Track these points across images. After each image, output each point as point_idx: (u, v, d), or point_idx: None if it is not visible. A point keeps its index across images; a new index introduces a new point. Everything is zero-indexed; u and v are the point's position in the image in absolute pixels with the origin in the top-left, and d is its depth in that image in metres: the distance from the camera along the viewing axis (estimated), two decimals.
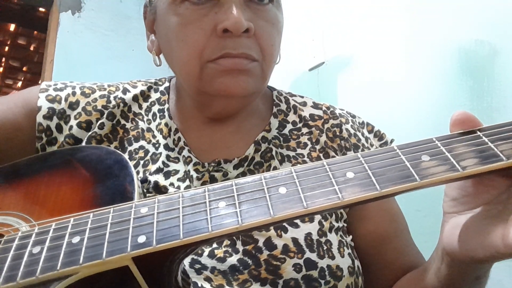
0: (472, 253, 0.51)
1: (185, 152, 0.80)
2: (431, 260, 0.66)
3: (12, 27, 5.49)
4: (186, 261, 0.69)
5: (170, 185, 0.77)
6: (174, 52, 0.77)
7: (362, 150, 0.83)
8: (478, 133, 0.51)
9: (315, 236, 0.72)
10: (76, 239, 0.50)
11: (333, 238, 0.74)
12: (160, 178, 0.77)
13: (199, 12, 0.73)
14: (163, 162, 0.79)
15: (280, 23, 0.80)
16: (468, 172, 0.48)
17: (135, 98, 0.88)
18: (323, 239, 0.72)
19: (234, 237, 0.71)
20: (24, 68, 6.40)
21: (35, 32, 5.32)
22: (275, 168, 0.79)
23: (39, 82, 4.39)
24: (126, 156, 0.69)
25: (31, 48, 5.92)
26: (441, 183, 0.49)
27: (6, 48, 5.90)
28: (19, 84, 6.74)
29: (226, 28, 0.71)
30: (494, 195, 0.51)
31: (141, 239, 0.48)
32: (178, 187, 0.77)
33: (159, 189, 0.76)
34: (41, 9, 4.12)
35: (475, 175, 0.48)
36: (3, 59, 6.17)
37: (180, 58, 0.76)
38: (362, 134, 0.87)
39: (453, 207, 0.56)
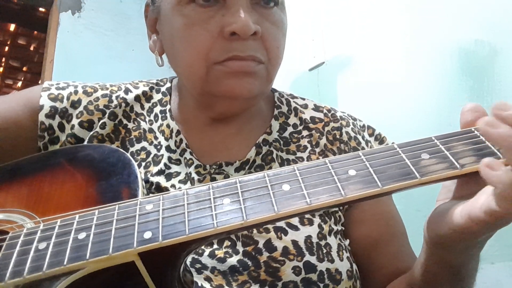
0: (437, 230, 0.54)
1: (187, 154, 0.80)
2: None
3: (12, 27, 5.47)
4: (187, 260, 0.69)
5: (171, 186, 0.77)
6: (179, 53, 0.77)
7: None
8: (476, 132, 0.53)
9: (315, 239, 0.72)
10: (82, 235, 0.51)
11: (333, 241, 0.75)
12: (161, 180, 0.78)
13: (206, 14, 0.74)
14: (165, 164, 0.80)
15: (285, 25, 0.81)
16: (466, 169, 0.50)
17: (137, 98, 0.88)
18: (322, 242, 0.73)
19: (235, 238, 0.71)
20: (24, 68, 6.39)
21: (35, 32, 5.31)
22: None
23: (39, 82, 4.39)
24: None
25: (31, 48, 5.90)
26: (440, 180, 0.51)
27: (6, 48, 5.89)
28: (19, 84, 6.73)
29: (233, 31, 0.72)
30: (482, 185, 0.52)
31: (147, 235, 0.49)
32: (180, 189, 0.77)
33: (161, 190, 0.76)
34: (41, 9, 4.11)
35: (474, 173, 0.50)
36: (3, 59, 6.16)
37: (184, 59, 0.76)
38: (363, 137, 0.87)
39: (443, 194, 0.58)
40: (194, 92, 0.80)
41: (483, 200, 0.47)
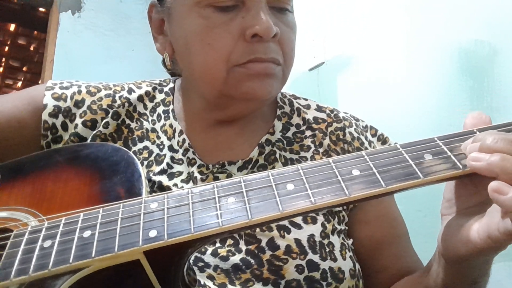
0: (456, 250, 0.53)
1: (190, 154, 0.80)
2: (430, 264, 0.67)
3: (12, 27, 5.46)
4: (190, 259, 0.70)
5: (173, 185, 0.78)
6: (196, 55, 0.76)
7: None
8: (478, 133, 0.53)
9: (317, 238, 0.73)
10: (87, 234, 0.51)
11: (336, 240, 0.75)
12: (164, 179, 0.78)
13: (226, 16, 0.73)
14: (167, 164, 0.80)
15: (296, 27, 0.81)
16: (469, 170, 0.50)
17: (140, 98, 0.88)
18: (325, 241, 0.73)
19: (238, 237, 0.72)
20: (24, 68, 6.38)
21: (35, 32, 5.30)
22: None
23: (39, 82, 4.39)
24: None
25: (31, 48, 5.89)
26: (443, 180, 0.52)
27: (6, 48, 5.88)
28: (19, 84, 6.72)
29: (256, 33, 0.72)
30: (485, 196, 0.51)
31: (152, 233, 0.49)
32: (182, 188, 0.77)
33: (163, 189, 0.76)
34: (41, 9, 4.11)
35: (476, 173, 0.50)
36: (3, 59, 6.15)
37: (204, 61, 0.75)
38: (366, 138, 0.88)
39: (448, 209, 0.58)
40: (210, 94, 0.79)
41: (499, 221, 0.47)
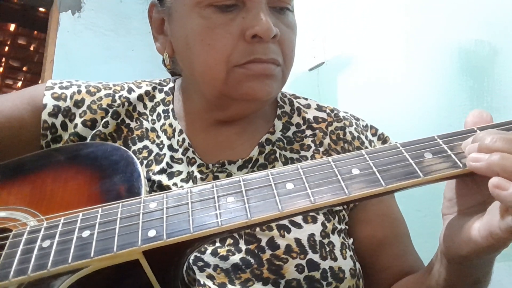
0: (458, 249, 0.53)
1: (189, 153, 0.80)
2: (432, 264, 0.67)
3: (12, 27, 5.47)
4: (190, 258, 0.70)
5: (173, 185, 0.78)
6: (197, 56, 0.76)
7: None
8: (478, 131, 0.53)
9: (318, 237, 0.72)
10: (86, 233, 0.51)
11: (336, 239, 0.75)
12: (163, 179, 0.78)
13: (227, 17, 0.73)
14: (167, 163, 0.80)
15: (296, 28, 0.81)
16: (469, 169, 0.50)
17: (140, 98, 0.88)
18: (325, 241, 0.73)
19: (237, 236, 0.72)
20: (24, 68, 6.39)
21: (35, 32, 5.31)
22: None
23: (39, 82, 4.38)
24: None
25: (31, 48, 5.90)
26: (444, 179, 0.51)
27: (6, 48, 5.89)
28: (19, 84, 6.73)
29: (256, 34, 0.72)
30: (486, 195, 0.52)
31: (151, 233, 0.49)
32: (182, 187, 0.77)
33: (163, 189, 0.76)
34: (41, 9, 4.11)
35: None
36: (3, 59, 6.16)
37: (204, 61, 0.75)
38: (366, 137, 0.88)
39: (449, 208, 0.58)
40: (210, 94, 0.79)
41: (500, 218, 0.47)
